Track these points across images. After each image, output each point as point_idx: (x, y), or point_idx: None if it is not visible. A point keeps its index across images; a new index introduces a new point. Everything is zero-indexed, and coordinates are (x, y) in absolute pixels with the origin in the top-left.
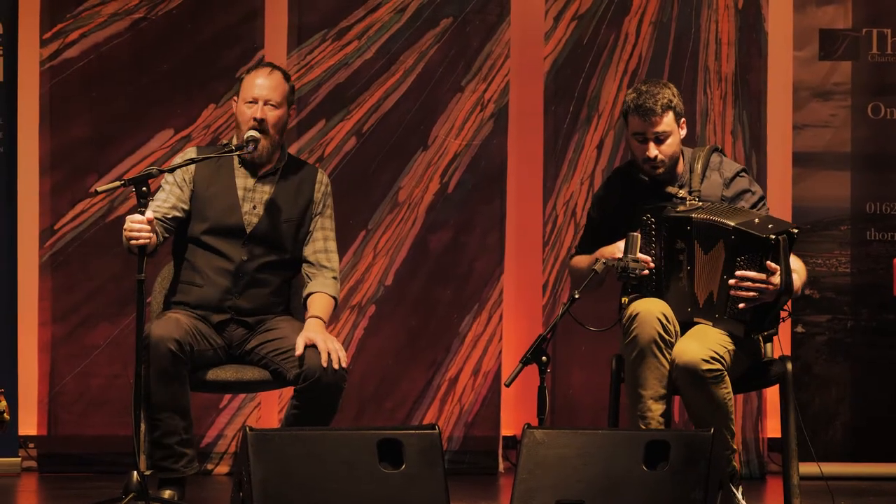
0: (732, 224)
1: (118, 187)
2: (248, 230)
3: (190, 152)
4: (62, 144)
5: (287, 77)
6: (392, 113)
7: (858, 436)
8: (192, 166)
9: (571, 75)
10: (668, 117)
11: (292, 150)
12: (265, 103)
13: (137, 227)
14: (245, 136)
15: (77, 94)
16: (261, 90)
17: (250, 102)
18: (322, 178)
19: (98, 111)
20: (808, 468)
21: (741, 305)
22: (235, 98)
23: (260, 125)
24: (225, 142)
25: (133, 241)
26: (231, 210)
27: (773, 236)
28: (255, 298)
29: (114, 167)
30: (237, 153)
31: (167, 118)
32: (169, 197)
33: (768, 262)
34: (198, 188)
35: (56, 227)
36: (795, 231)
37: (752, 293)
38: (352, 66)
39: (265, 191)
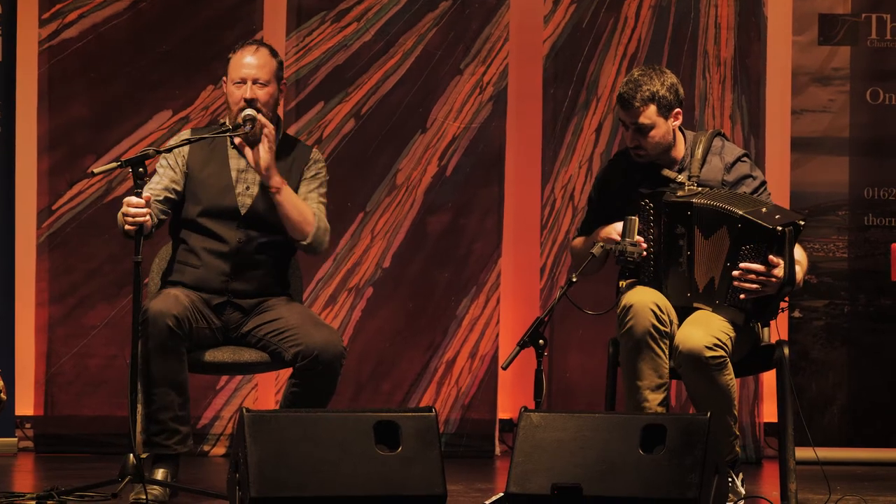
0: (740, 212)
1: (115, 168)
2: (243, 212)
3: (185, 134)
4: (60, 125)
5: (274, 53)
6: (391, 95)
7: (855, 421)
8: (186, 149)
9: (570, 58)
10: (649, 110)
11: (290, 131)
12: (254, 82)
13: (134, 210)
14: (242, 116)
15: (75, 74)
16: (248, 70)
17: (238, 83)
18: (315, 156)
19: (96, 92)
20: (804, 453)
21: (742, 296)
22: (225, 78)
23: (250, 105)
24: (222, 122)
25: (129, 226)
26: (225, 192)
27: (780, 227)
28: (252, 280)
29: (112, 148)
30: (234, 133)
31: (166, 99)
32: (162, 179)
33: (771, 257)
34: (191, 170)
35: (54, 208)
36: (802, 223)
37: (755, 286)
38: (351, 48)
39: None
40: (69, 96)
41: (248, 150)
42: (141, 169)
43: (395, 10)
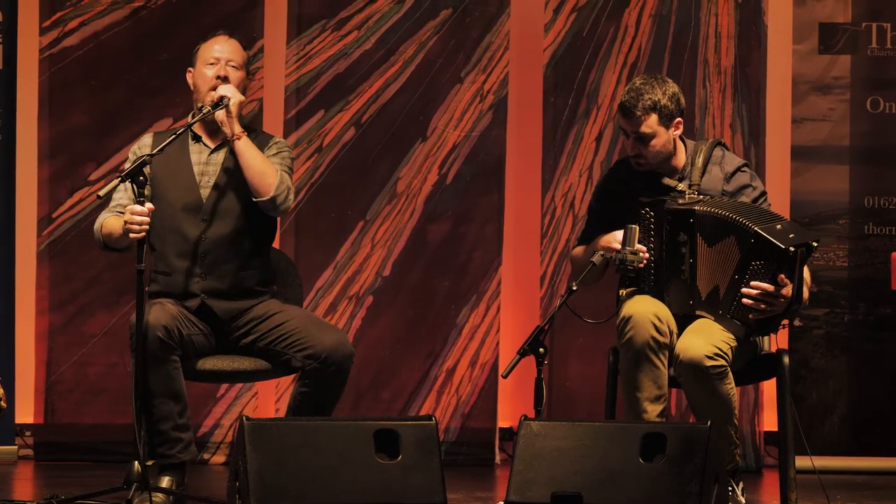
0: (755, 228)
1: (117, 185)
2: (205, 204)
3: (147, 138)
4: (61, 133)
5: (242, 46)
6: (391, 103)
7: (855, 429)
8: (145, 152)
9: (571, 67)
10: (651, 119)
11: (291, 139)
12: (227, 63)
13: (139, 218)
14: (217, 94)
15: (76, 82)
16: (221, 52)
17: (212, 63)
18: (277, 139)
19: (97, 100)
20: (804, 461)
21: (750, 315)
22: (191, 69)
23: (224, 82)
24: (201, 106)
25: (134, 235)
26: (189, 187)
27: (793, 248)
28: (224, 276)
29: (113, 155)
30: (217, 110)
31: (166, 106)
32: (128, 191)
33: (781, 276)
34: (154, 172)
35: (54, 216)
36: (815, 244)
37: (762, 305)
38: (351, 57)
39: (219, 162)
40: (70, 104)
41: (218, 114)
42: (141, 178)
43: (395, 18)
